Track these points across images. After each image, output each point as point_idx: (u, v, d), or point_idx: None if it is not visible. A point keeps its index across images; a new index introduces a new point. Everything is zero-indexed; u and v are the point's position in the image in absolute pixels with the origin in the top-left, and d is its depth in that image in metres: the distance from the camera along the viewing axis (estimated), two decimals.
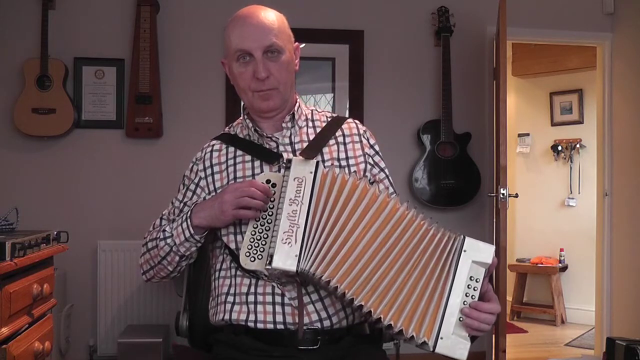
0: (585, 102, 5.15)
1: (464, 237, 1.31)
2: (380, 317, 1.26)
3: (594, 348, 4.16)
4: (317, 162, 1.38)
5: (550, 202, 5.30)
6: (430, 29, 3.85)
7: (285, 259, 1.29)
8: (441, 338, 1.25)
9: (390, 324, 1.25)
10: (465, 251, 1.30)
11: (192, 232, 1.44)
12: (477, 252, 1.30)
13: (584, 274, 4.91)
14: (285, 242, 1.30)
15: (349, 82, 3.78)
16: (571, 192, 5.20)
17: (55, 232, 2.12)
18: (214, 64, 3.62)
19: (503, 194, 3.29)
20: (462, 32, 3.83)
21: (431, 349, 1.25)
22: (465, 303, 1.27)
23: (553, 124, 5.34)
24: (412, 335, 1.25)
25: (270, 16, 1.49)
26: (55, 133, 3.43)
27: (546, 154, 5.37)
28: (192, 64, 3.63)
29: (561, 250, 5.16)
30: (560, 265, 5.11)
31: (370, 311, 1.26)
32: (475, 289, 1.28)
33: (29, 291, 1.87)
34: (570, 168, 5.21)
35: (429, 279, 1.29)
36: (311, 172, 1.36)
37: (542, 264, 5.11)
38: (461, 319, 1.27)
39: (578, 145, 5.16)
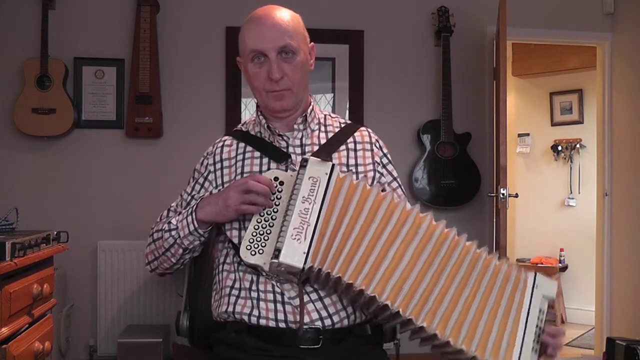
0: (585, 102, 5.15)
1: (536, 274, 1.37)
2: (448, 342, 1.26)
3: (594, 348, 4.15)
4: (333, 165, 1.38)
5: (550, 202, 5.31)
6: (430, 29, 3.85)
7: (293, 254, 1.29)
8: None
9: (462, 349, 1.26)
10: (537, 287, 1.35)
11: (197, 226, 1.44)
12: (547, 288, 1.37)
13: (584, 274, 4.91)
14: (295, 238, 1.30)
15: (349, 82, 3.78)
16: (571, 192, 5.20)
17: (55, 232, 2.11)
18: (214, 63, 3.62)
19: (503, 194, 3.29)
20: (462, 32, 3.83)
21: None
22: (536, 334, 1.33)
23: (553, 124, 5.34)
24: None
25: (285, 16, 1.48)
26: (55, 133, 3.43)
27: (546, 154, 5.37)
28: (192, 64, 3.63)
29: (561, 250, 5.16)
30: (560, 265, 5.11)
31: (406, 316, 1.27)
32: (542, 320, 1.35)
33: (29, 291, 1.87)
34: (570, 168, 5.21)
35: (496, 307, 1.32)
36: (326, 174, 1.36)
37: (542, 264, 5.11)
38: (534, 349, 1.32)
39: (578, 145, 5.16)
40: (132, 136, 3.53)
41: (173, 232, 1.48)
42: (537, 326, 1.33)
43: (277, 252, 1.29)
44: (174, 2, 3.63)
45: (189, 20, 3.64)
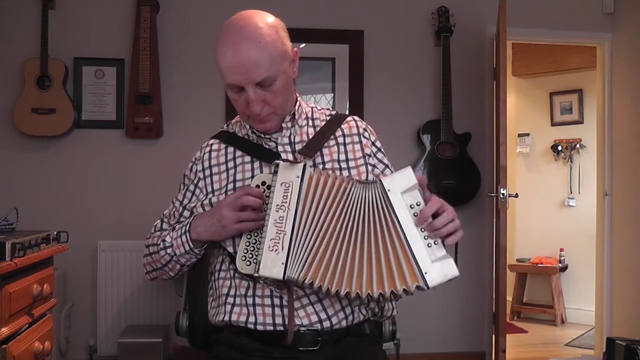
0: (585, 102, 5.15)
1: (380, 181, 1.33)
2: (368, 294, 1.27)
3: (594, 348, 4.15)
4: (304, 165, 1.35)
5: (550, 202, 5.31)
6: (430, 29, 3.85)
7: (271, 267, 1.28)
8: (426, 273, 1.27)
9: (381, 294, 1.27)
10: (389, 191, 1.32)
11: (192, 246, 1.44)
12: (400, 183, 1.33)
13: (584, 274, 4.91)
14: (272, 250, 1.29)
15: (349, 82, 3.78)
16: (571, 192, 5.20)
17: (55, 232, 2.12)
18: (213, 64, 3.59)
19: (503, 194, 3.29)
20: (462, 32, 3.83)
21: (427, 288, 1.27)
22: (423, 230, 1.30)
23: (553, 124, 5.34)
24: (404, 289, 1.27)
25: (261, 41, 1.35)
26: (55, 133, 3.43)
27: (546, 154, 5.37)
28: (192, 64, 3.63)
29: (561, 250, 5.16)
30: (560, 265, 5.11)
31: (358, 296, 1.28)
32: (420, 211, 1.31)
33: (29, 291, 1.87)
34: (570, 168, 5.21)
35: (384, 239, 1.31)
36: (298, 177, 1.34)
37: (542, 264, 5.11)
38: (429, 245, 1.29)
39: (578, 145, 5.16)
40: (132, 136, 3.53)
41: (169, 250, 1.47)
42: (415, 225, 1.30)
43: (257, 266, 1.29)
44: (174, 2, 3.63)
45: (189, 20, 3.64)
